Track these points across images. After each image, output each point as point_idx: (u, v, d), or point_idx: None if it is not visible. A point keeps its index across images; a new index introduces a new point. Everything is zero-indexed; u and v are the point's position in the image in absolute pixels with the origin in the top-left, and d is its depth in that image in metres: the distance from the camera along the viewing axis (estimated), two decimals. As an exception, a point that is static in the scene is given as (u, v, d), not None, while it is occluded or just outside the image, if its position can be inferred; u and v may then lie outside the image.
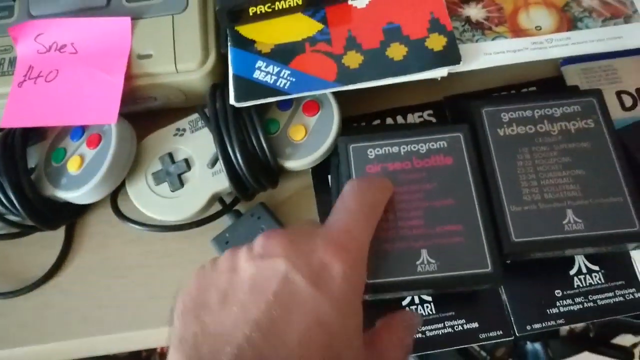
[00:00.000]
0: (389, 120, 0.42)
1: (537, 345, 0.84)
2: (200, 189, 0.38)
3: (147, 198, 0.38)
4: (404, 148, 0.34)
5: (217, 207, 0.40)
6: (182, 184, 0.38)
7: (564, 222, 0.33)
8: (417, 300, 0.37)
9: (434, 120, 0.42)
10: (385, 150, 0.34)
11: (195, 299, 0.24)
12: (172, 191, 0.38)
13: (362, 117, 0.43)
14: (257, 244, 0.25)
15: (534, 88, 0.42)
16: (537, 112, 0.36)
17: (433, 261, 0.31)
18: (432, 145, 0.34)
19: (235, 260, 0.25)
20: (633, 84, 0.41)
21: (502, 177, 0.34)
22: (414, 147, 0.34)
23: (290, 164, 0.37)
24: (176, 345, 0.22)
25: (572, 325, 0.64)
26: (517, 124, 0.36)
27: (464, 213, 0.32)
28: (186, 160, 0.38)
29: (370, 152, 0.34)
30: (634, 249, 0.35)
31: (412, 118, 0.42)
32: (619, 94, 0.41)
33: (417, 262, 0.31)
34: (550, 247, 0.33)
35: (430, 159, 0.34)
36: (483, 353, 0.87)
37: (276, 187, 0.39)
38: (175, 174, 0.38)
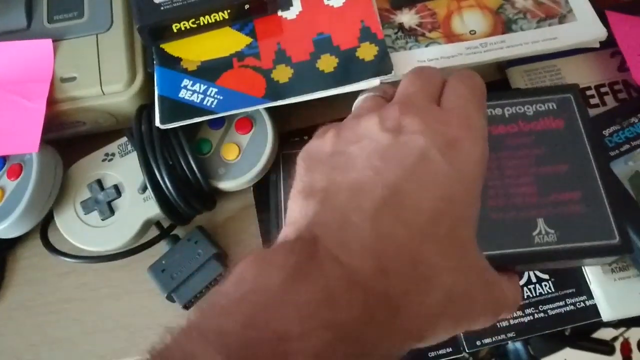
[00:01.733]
0: (332, 133, 0.41)
1: (518, 344, 0.84)
2: (132, 216, 0.36)
3: (77, 229, 0.36)
4: (508, 110, 0.32)
5: (155, 232, 0.38)
6: (112, 212, 0.36)
7: (534, 233, 0.30)
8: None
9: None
10: (488, 112, 0.30)
11: (321, 159, 0.23)
12: (103, 220, 0.36)
13: (304, 131, 0.41)
14: (390, 117, 0.23)
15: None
16: (508, 111, 0.33)
17: (552, 231, 0.29)
18: (540, 107, 0.32)
19: (367, 130, 0.23)
20: (577, 82, 0.40)
21: None
22: (520, 109, 0.32)
23: (225, 185, 0.36)
24: (301, 193, 0.22)
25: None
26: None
27: (582, 179, 0.30)
28: (116, 187, 0.36)
29: None
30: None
31: (356, 129, 0.41)
32: (563, 94, 0.40)
33: (534, 233, 0.29)
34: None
35: (539, 122, 0.31)
36: (465, 354, 0.86)
37: (213, 209, 0.38)
38: (104, 202, 0.36)
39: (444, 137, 0.22)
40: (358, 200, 0.21)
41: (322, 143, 0.24)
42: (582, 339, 0.91)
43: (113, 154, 0.37)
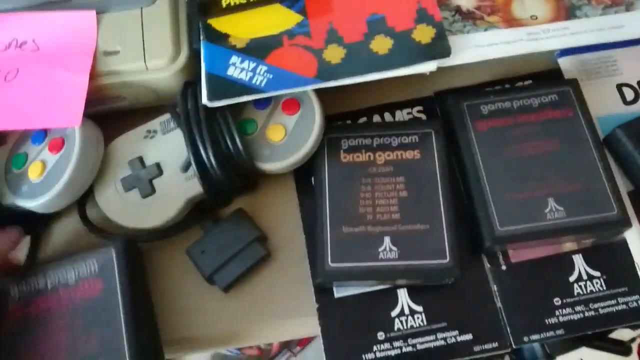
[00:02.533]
0: (376, 118, 0.40)
1: (534, 342, 0.83)
2: (173, 195, 0.35)
3: (117, 205, 0.36)
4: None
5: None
6: (153, 190, 0.35)
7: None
8: (407, 310, 0.34)
9: (424, 117, 0.40)
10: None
11: None
12: (143, 197, 0.35)
13: (348, 115, 0.40)
14: None
15: (530, 81, 0.40)
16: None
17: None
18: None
19: None
20: (634, 75, 0.38)
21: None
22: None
23: (269, 167, 0.35)
24: None
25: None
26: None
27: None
28: (157, 165, 0.36)
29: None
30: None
31: (401, 115, 0.40)
32: (619, 87, 0.38)
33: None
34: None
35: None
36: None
37: (254, 191, 0.37)
38: (145, 180, 0.35)
39: None
40: None
41: None
42: (599, 339, 0.90)
43: (155, 131, 0.37)
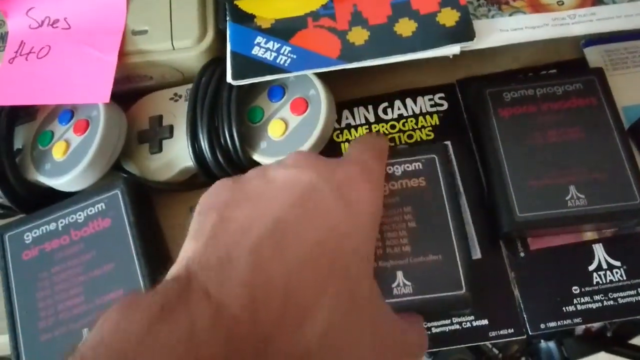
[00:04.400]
0: (398, 104, 0.40)
1: (551, 344, 0.81)
2: (173, 160, 0.37)
3: (128, 151, 0.38)
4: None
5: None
6: (160, 149, 0.37)
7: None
8: (423, 294, 0.34)
9: (445, 103, 0.40)
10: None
11: (218, 198, 0.23)
12: (151, 154, 0.37)
13: (368, 100, 0.40)
14: (286, 158, 0.26)
15: (554, 70, 0.39)
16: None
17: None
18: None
19: (263, 170, 0.25)
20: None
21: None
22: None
23: (261, 160, 0.35)
24: (192, 235, 0.22)
25: (589, 325, 0.61)
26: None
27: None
28: (171, 127, 0.37)
29: None
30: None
31: (422, 101, 0.40)
32: (647, 77, 0.38)
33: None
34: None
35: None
36: (495, 350, 0.84)
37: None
38: (157, 138, 0.37)
39: (334, 175, 0.24)
40: (243, 236, 0.21)
41: (222, 185, 0.24)
42: (618, 344, 0.88)
43: (180, 96, 0.38)
